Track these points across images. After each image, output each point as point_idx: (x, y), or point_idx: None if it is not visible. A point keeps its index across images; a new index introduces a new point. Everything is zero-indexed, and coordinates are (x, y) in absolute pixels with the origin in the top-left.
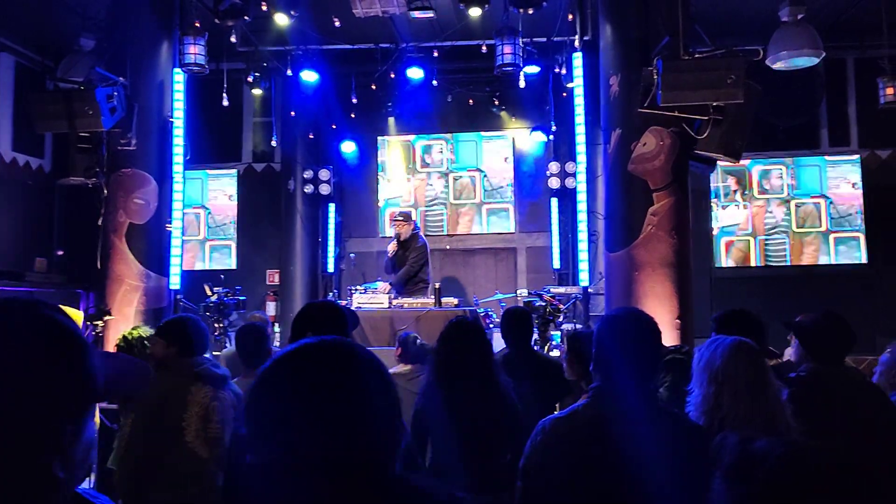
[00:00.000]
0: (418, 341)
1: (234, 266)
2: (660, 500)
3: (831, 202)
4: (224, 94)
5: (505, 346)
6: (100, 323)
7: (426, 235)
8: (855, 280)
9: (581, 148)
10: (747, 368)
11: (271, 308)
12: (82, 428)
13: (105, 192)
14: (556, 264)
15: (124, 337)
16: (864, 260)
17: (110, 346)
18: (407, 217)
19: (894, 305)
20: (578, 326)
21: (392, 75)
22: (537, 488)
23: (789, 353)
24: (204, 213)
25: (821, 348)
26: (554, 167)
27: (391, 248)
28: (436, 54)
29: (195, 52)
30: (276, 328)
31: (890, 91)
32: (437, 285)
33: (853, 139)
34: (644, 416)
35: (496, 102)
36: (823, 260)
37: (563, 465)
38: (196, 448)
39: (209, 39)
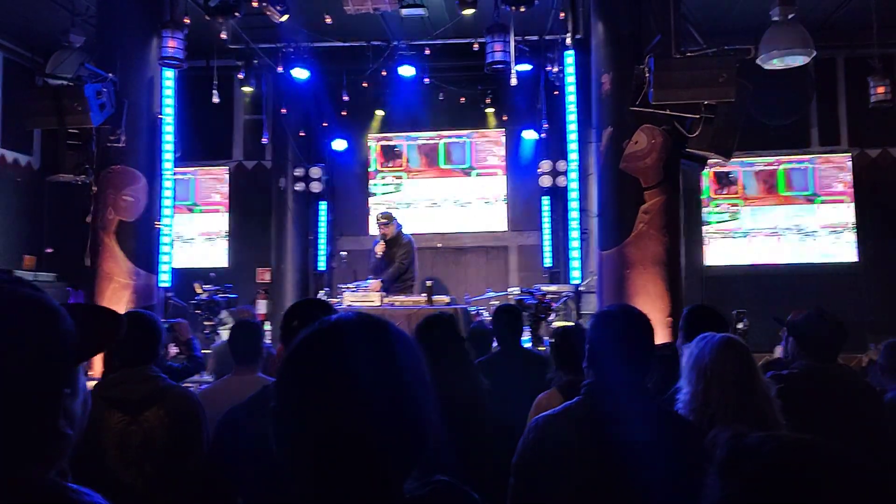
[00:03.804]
0: None
1: (224, 264)
2: (653, 498)
3: (821, 201)
4: (214, 91)
5: (496, 343)
6: None
7: (417, 234)
8: (845, 278)
9: (573, 146)
10: (736, 365)
11: (262, 306)
12: (76, 386)
13: (94, 189)
14: (548, 262)
15: None
16: (854, 258)
17: None
18: (389, 217)
19: (884, 303)
20: (567, 323)
21: (383, 73)
22: (530, 486)
23: (779, 351)
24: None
25: (813, 345)
26: (545, 165)
27: (379, 249)
28: (427, 52)
29: (173, 45)
30: (267, 326)
31: (880, 90)
32: (429, 283)
33: (843, 138)
34: (637, 413)
35: (487, 101)
36: (814, 258)
37: (555, 463)
38: None
39: (200, 36)
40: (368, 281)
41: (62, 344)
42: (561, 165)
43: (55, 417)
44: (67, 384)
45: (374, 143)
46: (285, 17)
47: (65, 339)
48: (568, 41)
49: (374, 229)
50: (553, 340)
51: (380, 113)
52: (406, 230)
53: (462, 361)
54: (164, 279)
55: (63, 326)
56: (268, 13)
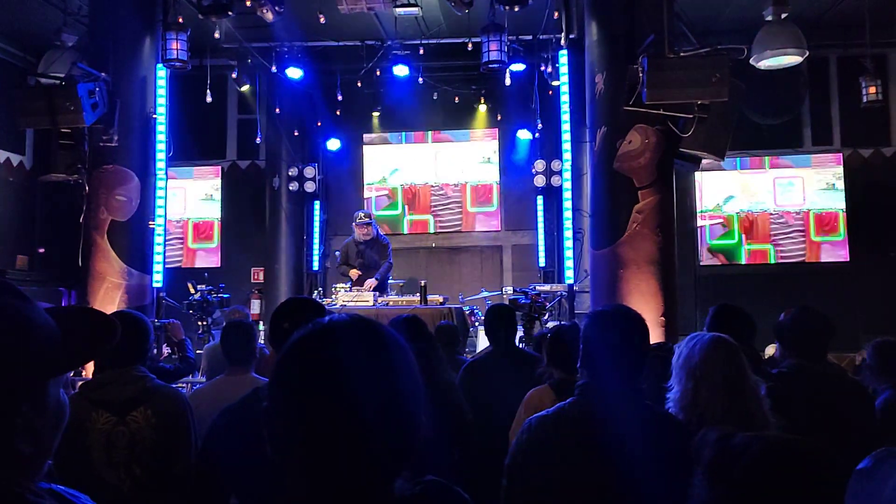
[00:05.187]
0: None
1: (218, 263)
2: (644, 498)
3: (814, 200)
4: (208, 91)
5: (489, 343)
6: None
7: (412, 234)
8: (837, 277)
9: (567, 146)
10: (724, 364)
11: (256, 306)
12: (44, 401)
13: (87, 188)
14: (542, 262)
15: None
16: (846, 258)
17: None
18: (370, 216)
19: (876, 302)
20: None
21: (378, 73)
22: (522, 487)
23: (771, 350)
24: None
25: (798, 344)
26: (540, 165)
27: (353, 274)
28: (421, 52)
29: (177, 47)
30: (261, 326)
31: (872, 90)
32: (423, 283)
33: (836, 138)
34: (630, 414)
35: (482, 100)
36: (806, 258)
37: (548, 464)
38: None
39: (193, 35)
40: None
41: (23, 359)
42: (555, 165)
43: (7, 435)
44: (26, 399)
45: (368, 142)
46: (269, 17)
47: (28, 353)
48: (562, 41)
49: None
50: (548, 337)
51: (375, 113)
52: (404, 229)
53: (431, 362)
54: (157, 279)
55: (30, 340)
56: (261, 12)
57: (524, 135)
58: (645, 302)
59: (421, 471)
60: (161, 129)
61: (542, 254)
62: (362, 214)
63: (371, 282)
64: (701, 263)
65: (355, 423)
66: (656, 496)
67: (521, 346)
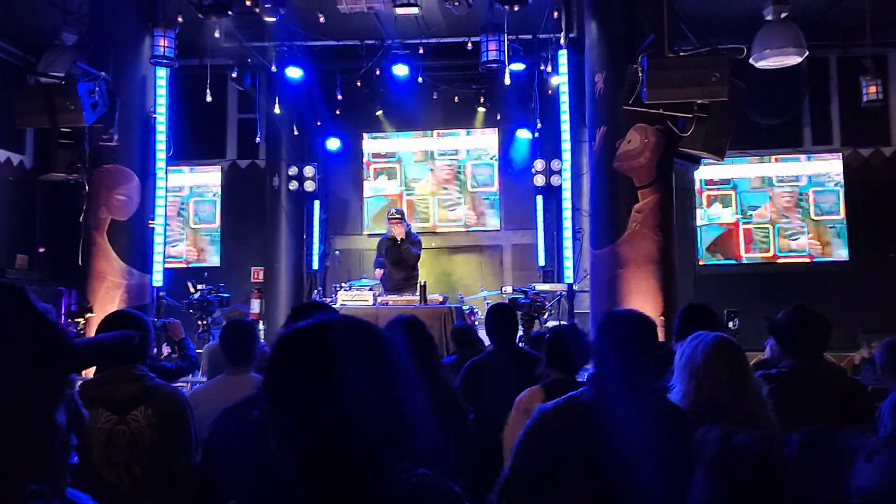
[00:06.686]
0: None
1: (218, 263)
2: (651, 488)
3: (814, 201)
4: (208, 90)
5: (490, 343)
6: (81, 320)
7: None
8: (837, 277)
9: (566, 145)
10: (727, 365)
11: (255, 305)
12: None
13: (87, 188)
14: (542, 261)
15: None
16: (845, 257)
17: None
18: (403, 214)
19: (876, 302)
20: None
21: (377, 72)
22: (530, 475)
23: (768, 352)
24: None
25: (794, 343)
26: (539, 165)
27: (377, 273)
28: (421, 51)
29: (164, 44)
30: (261, 325)
31: (872, 90)
32: (423, 282)
33: (836, 137)
34: (638, 405)
35: (481, 100)
36: (806, 257)
37: (556, 452)
38: None
39: (193, 35)
40: (363, 280)
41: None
42: (555, 164)
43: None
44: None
45: (368, 141)
46: (269, 17)
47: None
48: (562, 40)
49: (370, 228)
50: (547, 338)
51: (377, 113)
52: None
53: (429, 362)
54: (157, 279)
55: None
56: (261, 10)
57: (524, 134)
58: (644, 301)
59: (416, 466)
60: (161, 128)
61: (541, 253)
62: (394, 210)
63: (379, 272)
64: (701, 263)
65: (344, 418)
66: (663, 487)
67: (520, 345)
